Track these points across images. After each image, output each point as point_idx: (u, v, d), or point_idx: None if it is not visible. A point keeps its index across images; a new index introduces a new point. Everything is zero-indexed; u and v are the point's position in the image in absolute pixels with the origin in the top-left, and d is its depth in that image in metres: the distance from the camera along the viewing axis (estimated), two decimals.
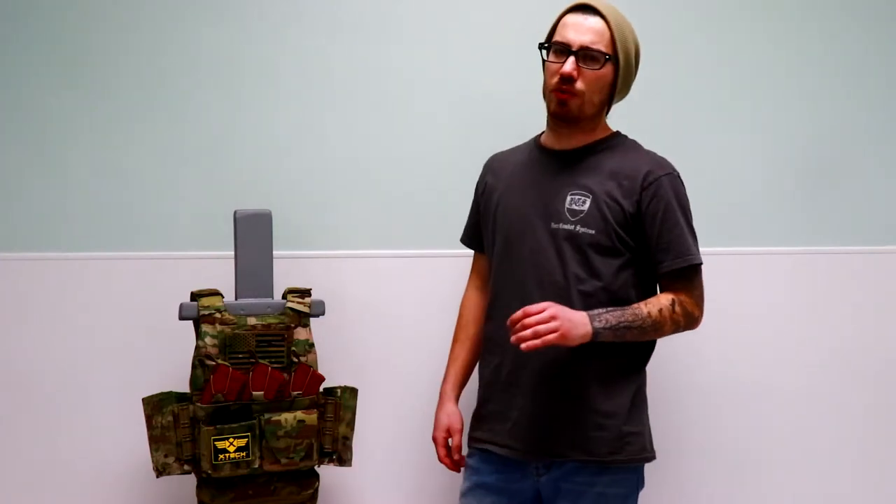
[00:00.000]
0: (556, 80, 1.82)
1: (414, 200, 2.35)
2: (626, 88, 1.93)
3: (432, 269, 2.33)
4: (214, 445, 1.90)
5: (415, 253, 2.31)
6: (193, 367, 1.94)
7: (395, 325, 2.31)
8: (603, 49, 1.81)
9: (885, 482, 2.54)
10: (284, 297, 2.02)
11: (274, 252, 2.06)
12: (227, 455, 1.91)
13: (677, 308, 1.83)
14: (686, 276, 1.86)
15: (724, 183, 2.49)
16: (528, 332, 1.69)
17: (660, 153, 2.44)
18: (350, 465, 2.08)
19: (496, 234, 1.95)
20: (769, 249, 2.50)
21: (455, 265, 2.30)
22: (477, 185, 2.08)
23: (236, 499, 1.96)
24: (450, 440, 1.99)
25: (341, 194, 2.33)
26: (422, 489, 2.32)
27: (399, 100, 2.34)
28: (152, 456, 1.94)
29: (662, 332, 1.85)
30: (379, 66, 2.34)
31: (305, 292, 2.04)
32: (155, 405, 1.93)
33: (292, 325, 1.99)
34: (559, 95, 1.82)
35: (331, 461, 2.06)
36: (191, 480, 2.08)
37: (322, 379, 2.01)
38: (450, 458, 1.99)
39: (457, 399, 2.03)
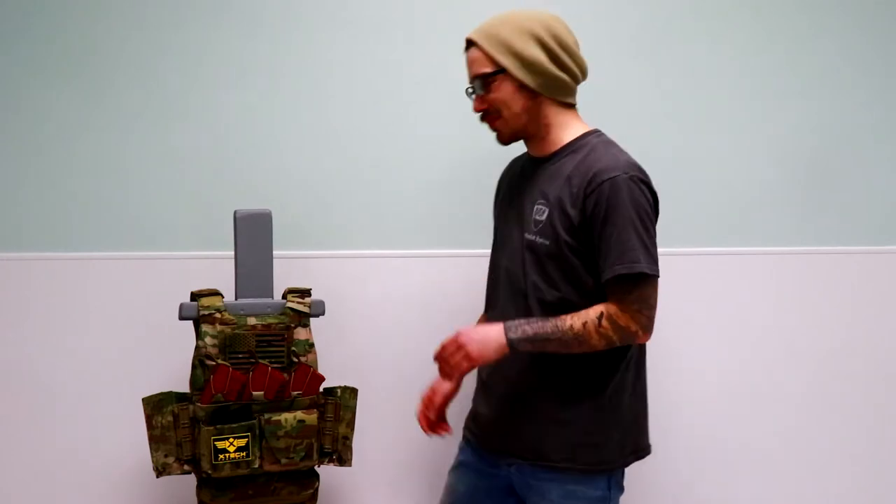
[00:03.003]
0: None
1: (414, 200, 2.35)
2: (557, 75, 1.81)
3: (432, 269, 2.33)
4: (214, 445, 1.90)
5: (415, 253, 2.31)
6: (193, 367, 1.94)
7: (395, 325, 2.31)
8: (486, 70, 1.81)
9: (885, 482, 2.54)
10: (284, 297, 2.02)
11: (274, 252, 2.05)
12: (227, 455, 1.91)
13: (605, 323, 1.72)
14: (623, 287, 1.73)
15: (724, 183, 2.49)
16: (445, 367, 1.80)
17: (659, 154, 2.44)
18: (350, 465, 2.08)
19: (494, 238, 2.00)
20: (769, 249, 2.50)
21: (455, 265, 2.30)
22: (494, 197, 2.08)
23: (236, 499, 1.96)
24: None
25: (341, 194, 2.33)
26: (422, 489, 2.32)
27: (399, 100, 2.34)
28: (152, 456, 1.94)
29: (591, 346, 1.74)
30: (379, 65, 2.34)
31: (305, 292, 2.04)
32: (155, 405, 1.93)
33: (292, 325, 1.99)
34: (490, 128, 1.88)
35: (331, 461, 2.06)
36: (191, 480, 2.08)
37: (322, 379, 2.01)
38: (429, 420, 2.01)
39: None
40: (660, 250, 2.45)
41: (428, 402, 2.00)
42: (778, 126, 2.52)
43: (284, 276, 2.16)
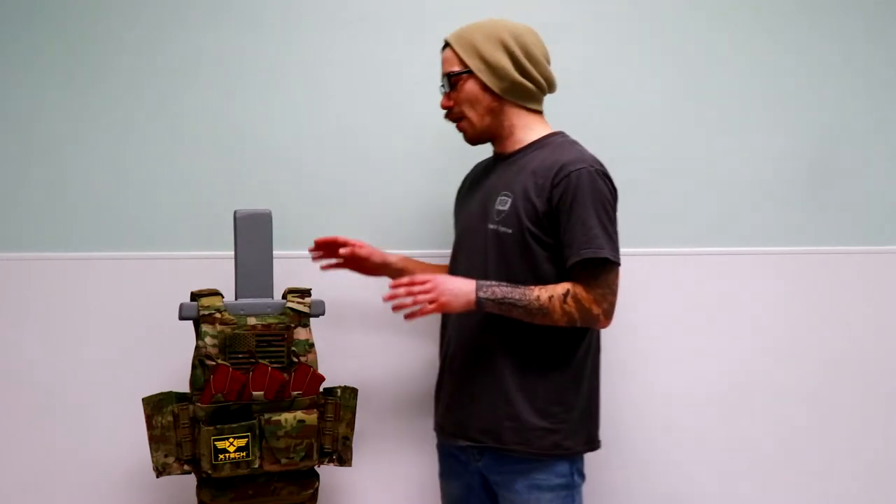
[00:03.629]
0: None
1: (414, 200, 2.35)
2: (519, 82, 1.92)
3: None
4: (214, 445, 1.90)
5: (414, 253, 2.30)
6: (193, 367, 1.94)
7: (394, 325, 2.31)
8: (454, 69, 1.93)
9: (885, 482, 2.54)
10: (284, 297, 2.02)
11: (274, 252, 2.05)
12: (227, 455, 1.91)
13: (569, 300, 1.81)
14: (588, 271, 1.82)
15: (724, 183, 2.49)
16: (408, 299, 1.82)
17: (660, 154, 2.45)
18: (350, 465, 2.08)
19: (456, 234, 2.07)
20: (769, 249, 2.50)
21: None
22: (455, 198, 2.17)
23: (236, 499, 1.96)
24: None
25: (341, 194, 2.33)
26: (422, 489, 2.32)
27: (399, 100, 2.34)
28: (152, 456, 1.94)
29: (553, 320, 1.82)
30: (379, 65, 2.34)
31: (305, 292, 2.04)
32: (155, 405, 1.93)
33: (292, 325, 1.99)
34: (456, 128, 2.00)
35: (331, 461, 2.06)
36: (191, 480, 2.08)
37: (322, 379, 2.00)
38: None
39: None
40: (659, 250, 2.47)
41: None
42: (778, 126, 2.52)
43: (284, 276, 2.16)
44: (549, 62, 1.99)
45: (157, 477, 1.95)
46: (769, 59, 2.52)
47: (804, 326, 2.50)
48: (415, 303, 1.82)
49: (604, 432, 2.21)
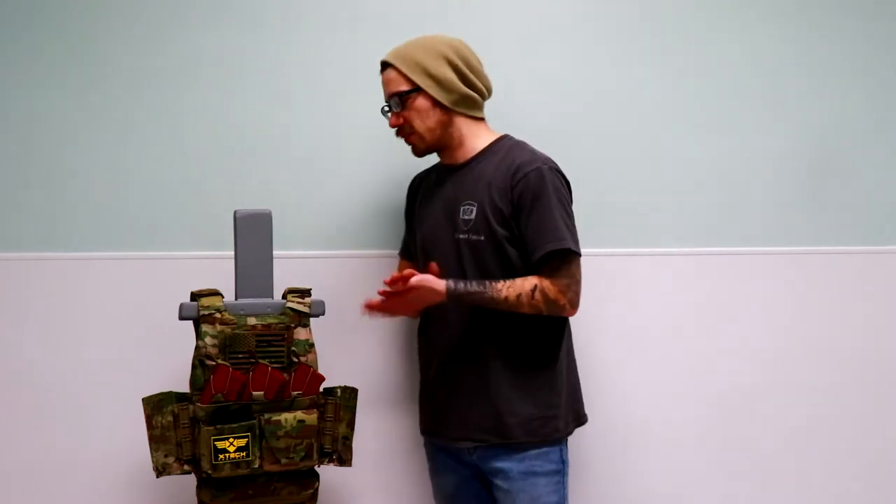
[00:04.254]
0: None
1: None
2: (466, 93, 2.00)
3: None
4: (214, 445, 1.90)
5: None
6: (193, 367, 1.94)
7: (394, 325, 2.31)
8: (403, 89, 2.00)
9: (886, 482, 2.54)
10: (284, 297, 2.02)
11: (274, 252, 2.05)
12: (227, 455, 1.91)
13: (537, 295, 1.90)
14: (553, 263, 1.91)
15: (724, 183, 2.49)
16: (377, 301, 1.95)
17: (660, 154, 2.45)
18: (350, 465, 2.08)
19: (419, 247, 2.11)
20: (769, 249, 2.50)
21: None
22: (406, 205, 2.22)
23: (236, 499, 1.96)
24: None
25: (341, 194, 2.33)
26: (421, 489, 2.32)
27: None
28: (152, 456, 1.94)
29: (519, 313, 1.92)
30: (378, 65, 2.33)
31: (305, 292, 2.04)
32: (155, 405, 1.93)
33: (292, 325, 1.99)
34: (406, 142, 2.06)
35: (331, 461, 2.06)
36: (191, 480, 2.08)
37: (322, 379, 2.00)
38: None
39: None
40: (659, 250, 2.47)
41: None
42: (778, 126, 2.52)
43: (284, 276, 2.16)
44: (483, 67, 2.06)
45: (157, 477, 1.95)
46: (769, 59, 2.52)
47: (804, 326, 2.50)
48: (393, 291, 1.91)
49: (604, 432, 2.22)
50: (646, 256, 2.42)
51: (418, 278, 1.90)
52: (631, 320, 2.41)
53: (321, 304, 2.05)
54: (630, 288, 2.42)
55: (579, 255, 1.94)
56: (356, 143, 2.33)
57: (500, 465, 1.98)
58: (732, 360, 2.47)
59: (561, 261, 1.91)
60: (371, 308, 1.97)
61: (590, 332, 2.34)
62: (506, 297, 1.90)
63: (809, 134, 2.53)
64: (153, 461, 1.94)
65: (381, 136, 2.34)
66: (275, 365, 1.96)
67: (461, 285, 1.92)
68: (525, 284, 1.91)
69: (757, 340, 2.48)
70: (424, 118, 2.01)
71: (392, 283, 1.90)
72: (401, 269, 2.18)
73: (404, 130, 2.05)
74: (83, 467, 2.20)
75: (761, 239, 2.50)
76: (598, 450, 2.37)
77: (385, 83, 2.04)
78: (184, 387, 2.03)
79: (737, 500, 2.47)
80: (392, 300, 1.94)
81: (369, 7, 2.35)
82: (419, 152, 2.07)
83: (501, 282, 1.91)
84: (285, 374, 1.97)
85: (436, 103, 2.00)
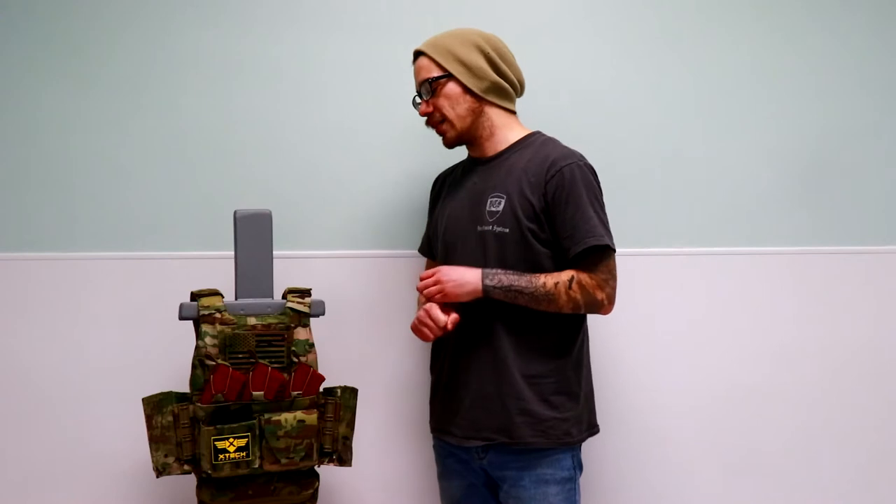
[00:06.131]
0: (425, 121, 2.05)
1: (414, 200, 2.35)
2: (497, 81, 1.99)
3: None
4: (214, 445, 1.90)
5: (414, 253, 2.31)
6: (193, 367, 1.94)
7: (394, 325, 2.31)
8: (434, 75, 1.98)
9: (885, 482, 2.54)
10: (284, 297, 2.02)
11: (274, 252, 2.05)
12: (227, 455, 1.91)
13: (574, 286, 1.89)
14: (590, 259, 1.90)
15: (724, 183, 2.49)
16: (422, 299, 1.94)
17: (660, 154, 2.45)
18: (350, 465, 2.08)
19: (440, 241, 2.09)
20: (769, 249, 2.50)
21: None
22: (430, 201, 2.21)
23: (236, 499, 1.96)
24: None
25: (341, 194, 2.33)
26: (421, 489, 2.32)
27: (399, 100, 2.33)
28: (152, 456, 1.94)
29: (558, 307, 1.89)
30: (379, 65, 2.34)
31: (305, 292, 2.04)
32: (155, 405, 1.93)
33: (292, 325, 1.99)
34: (436, 131, 2.04)
35: (331, 461, 2.06)
36: (191, 480, 2.08)
37: (322, 379, 2.00)
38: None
39: None
40: (659, 250, 2.48)
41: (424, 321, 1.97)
42: (778, 126, 2.52)
43: (284, 276, 2.16)
44: (515, 61, 2.04)
45: (157, 477, 1.95)
46: (769, 59, 2.52)
47: (804, 326, 2.50)
48: (426, 296, 1.92)
49: (605, 432, 2.22)
50: (646, 257, 2.42)
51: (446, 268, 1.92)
52: (630, 320, 2.41)
53: (321, 304, 2.05)
54: (630, 288, 2.41)
55: (615, 251, 1.92)
56: (356, 144, 2.33)
57: (509, 471, 1.94)
58: (732, 360, 2.47)
59: (598, 256, 1.90)
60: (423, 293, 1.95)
61: (594, 334, 2.34)
62: (544, 283, 1.87)
63: (809, 134, 2.53)
64: (153, 461, 1.94)
65: (382, 137, 2.34)
66: (275, 365, 1.96)
67: (497, 273, 1.89)
68: (562, 275, 1.89)
69: (757, 340, 2.48)
70: (454, 104, 1.98)
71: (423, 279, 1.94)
72: (427, 268, 2.19)
73: (434, 118, 2.02)
74: (83, 467, 2.21)
75: (762, 239, 2.50)
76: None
77: (416, 71, 2.02)
78: (184, 387, 2.03)
79: (737, 500, 2.47)
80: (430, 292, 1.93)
81: (370, 7, 2.35)
82: (449, 142, 2.03)
83: (538, 273, 1.89)
84: (285, 374, 1.97)
85: (466, 90, 1.98)
